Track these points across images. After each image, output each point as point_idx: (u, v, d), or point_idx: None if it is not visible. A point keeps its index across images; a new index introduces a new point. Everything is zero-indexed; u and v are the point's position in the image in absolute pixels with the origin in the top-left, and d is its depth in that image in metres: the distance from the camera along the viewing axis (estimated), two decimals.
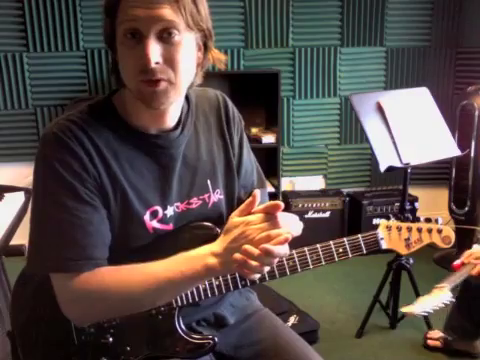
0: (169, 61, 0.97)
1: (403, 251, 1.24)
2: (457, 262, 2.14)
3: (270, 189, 3.40)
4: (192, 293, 1.11)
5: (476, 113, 2.99)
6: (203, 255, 0.98)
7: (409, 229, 1.24)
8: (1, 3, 3.12)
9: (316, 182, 3.77)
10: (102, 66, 3.32)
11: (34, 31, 3.17)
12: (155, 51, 0.95)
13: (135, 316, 1.08)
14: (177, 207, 1.12)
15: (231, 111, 1.23)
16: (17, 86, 3.24)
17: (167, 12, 0.94)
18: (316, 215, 3.44)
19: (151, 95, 0.98)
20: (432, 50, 3.70)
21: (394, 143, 2.26)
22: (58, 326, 1.12)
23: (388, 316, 2.56)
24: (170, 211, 1.11)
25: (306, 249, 1.15)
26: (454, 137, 2.62)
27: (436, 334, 2.39)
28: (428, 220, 1.27)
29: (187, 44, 1.00)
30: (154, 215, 1.09)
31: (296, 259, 1.14)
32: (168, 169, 1.11)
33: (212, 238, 1.10)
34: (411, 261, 2.46)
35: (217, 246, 0.98)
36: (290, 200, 3.44)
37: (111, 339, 1.12)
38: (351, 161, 3.80)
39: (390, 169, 2.20)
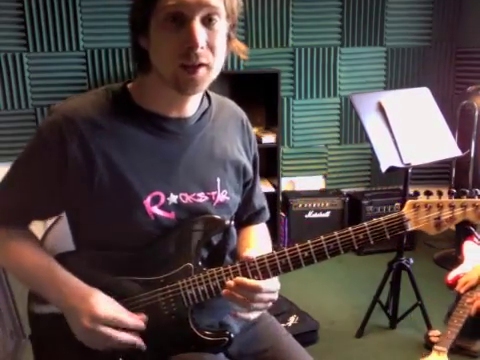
0: (210, 46, 1.01)
1: (432, 231, 1.09)
2: (452, 276, 2.15)
3: (270, 189, 3.40)
4: (203, 291, 1.09)
5: (476, 113, 2.99)
6: (82, 308, 1.03)
7: (440, 206, 1.08)
8: (1, 3, 3.11)
9: (316, 182, 3.77)
10: (102, 66, 3.32)
11: (34, 31, 3.17)
12: (202, 35, 0.98)
13: (149, 316, 1.09)
14: (183, 197, 1.12)
15: (251, 129, 1.30)
16: (17, 86, 3.24)
17: None
18: (316, 215, 3.44)
19: (188, 82, 1.01)
20: (432, 50, 3.70)
21: (395, 143, 2.25)
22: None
23: (388, 316, 2.56)
24: (173, 199, 1.10)
25: (322, 238, 1.08)
26: (454, 137, 2.62)
27: (436, 333, 2.39)
28: (462, 192, 1.09)
29: (223, 31, 1.05)
30: (155, 201, 1.09)
31: (311, 249, 1.07)
32: (176, 155, 1.11)
33: (220, 232, 1.15)
34: (411, 261, 2.46)
35: (96, 318, 1.02)
36: (290, 200, 3.44)
37: None
38: (351, 161, 3.80)
39: (391, 169, 2.19)
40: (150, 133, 1.09)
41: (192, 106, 1.13)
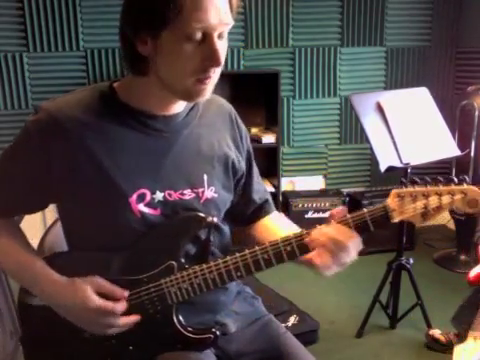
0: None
1: (419, 222, 1.04)
2: (473, 274, 2.12)
3: (270, 189, 3.40)
4: (187, 289, 1.09)
5: (476, 113, 2.99)
6: (75, 305, 1.05)
7: (426, 195, 1.01)
8: (1, 3, 3.12)
9: (316, 182, 3.78)
10: (102, 66, 3.32)
11: (34, 31, 3.17)
12: (223, 53, 1.01)
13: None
14: (169, 194, 1.11)
15: (241, 123, 1.29)
16: (17, 86, 3.25)
17: (227, 15, 1.00)
18: (316, 215, 3.44)
19: (200, 92, 1.04)
20: (432, 50, 3.70)
21: (394, 143, 2.26)
22: (63, 332, 1.12)
23: (388, 316, 2.56)
24: (159, 196, 1.10)
25: (304, 231, 1.07)
26: (454, 137, 2.62)
27: (436, 333, 2.40)
28: (449, 180, 1.02)
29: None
30: (141, 198, 1.08)
31: (294, 244, 1.06)
32: (162, 152, 1.11)
33: (204, 229, 1.13)
34: (411, 261, 2.46)
35: (91, 309, 1.04)
36: (290, 200, 3.44)
37: (114, 341, 1.12)
38: (351, 161, 3.80)
39: (390, 169, 2.20)
40: (136, 131, 1.09)
41: (179, 104, 1.13)
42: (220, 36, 1.01)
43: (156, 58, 1.03)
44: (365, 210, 1.05)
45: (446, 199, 1.01)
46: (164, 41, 1.00)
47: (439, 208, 1.02)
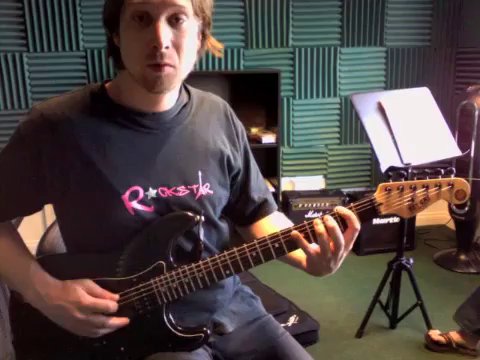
0: (176, 46, 1.00)
1: (406, 214, 1.04)
2: None
3: (270, 189, 3.40)
4: (176, 289, 1.08)
5: (476, 113, 2.99)
6: (68, 305, 1.05)
7: (413, 188, 1.02)
8: (1, 3, 3.11)
9: (316, 182, 3.78)
10: (102, 66, 3.32)
11: (34, 31, 3.17)
12: (166, 35, 0.97)
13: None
14: (162, 192, 1.11)
15: (236, 119, 1.28)
16: (17, 86, 3.24)
17: None
18: (316, 215, 3.41)
19: (155, 80, 1.01)
20: (432, 50, 3.71)
21: (395, 143, 2.26)
22: (55, 333, 1.12)
23: (388, 316, 2.56)
24: (152, 193, 1.10)
25: (292, 227, 1.05)
26: (454, 137, 2.62)
27: (436, 333, 2.40)
28: (436, 172, 1.03)
29: (192, 30, 1.03)
30: (134, 196, 1.08)
31: (282, 240, 1.05)
32: (154, 149, 1.11)
33: (191, 227, 1.11)
34: (411, 261, 2.46)
35: (84, 308, 1.05)
36: (290, 200, 3.44)
37: (105, 342, 1.12)
38: (351, 161, 3.80)
39: (391, 170, 2.19)
40: (127, 129, 1.09)
41: (168, 100, 1.12)
42: (173, 22, 0.99)
43: (120, 47, 1.04)
44: (352, 204, 1.05)
45: (433, 191, 1.02)
46: (121, 27, 1.01)
47: (426, 200, 1.02)
